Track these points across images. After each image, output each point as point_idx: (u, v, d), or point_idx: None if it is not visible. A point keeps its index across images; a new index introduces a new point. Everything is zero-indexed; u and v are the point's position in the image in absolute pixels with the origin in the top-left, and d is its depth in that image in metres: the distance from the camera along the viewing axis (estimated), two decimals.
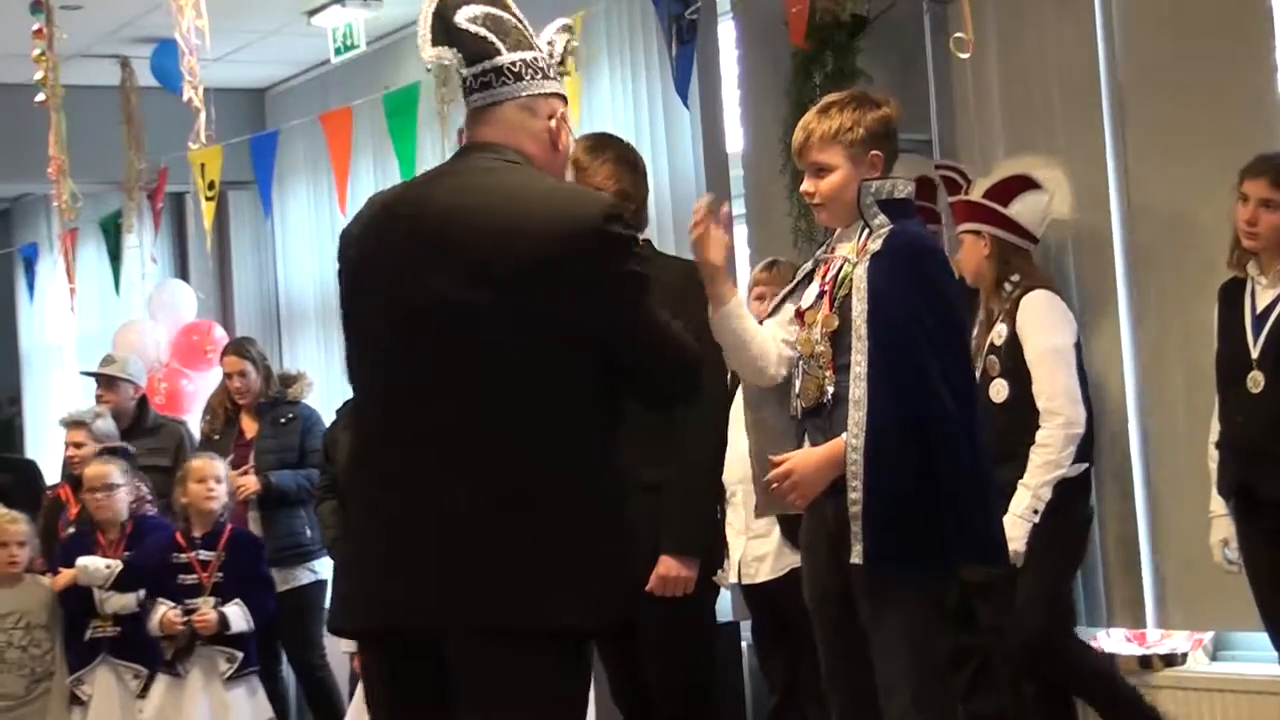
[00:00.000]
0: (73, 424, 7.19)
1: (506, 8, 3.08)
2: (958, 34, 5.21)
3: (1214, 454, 4.60)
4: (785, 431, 3.96)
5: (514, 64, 3.01)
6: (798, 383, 3.91)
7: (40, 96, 7.61)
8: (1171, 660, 5.28)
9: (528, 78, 3.02)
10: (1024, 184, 4.93)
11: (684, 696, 4.36)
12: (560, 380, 2.90)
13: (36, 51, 7.53)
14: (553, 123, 3.05)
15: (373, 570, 2.94)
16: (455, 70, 3.04)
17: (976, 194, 4.97)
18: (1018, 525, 4.60)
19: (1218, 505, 4.62)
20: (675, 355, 3.06)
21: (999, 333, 4.79)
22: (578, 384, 2.92)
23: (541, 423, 2.88)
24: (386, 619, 2.92)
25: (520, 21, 3.08)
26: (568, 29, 3.18)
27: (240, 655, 6.26)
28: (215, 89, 7.38)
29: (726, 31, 6.64)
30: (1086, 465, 4.83)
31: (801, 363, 3.90)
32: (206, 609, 6.20)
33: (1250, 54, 4.95)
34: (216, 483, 6.36)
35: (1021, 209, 4.89)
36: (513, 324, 2.88)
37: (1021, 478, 4.68)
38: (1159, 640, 5.36)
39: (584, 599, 2.87)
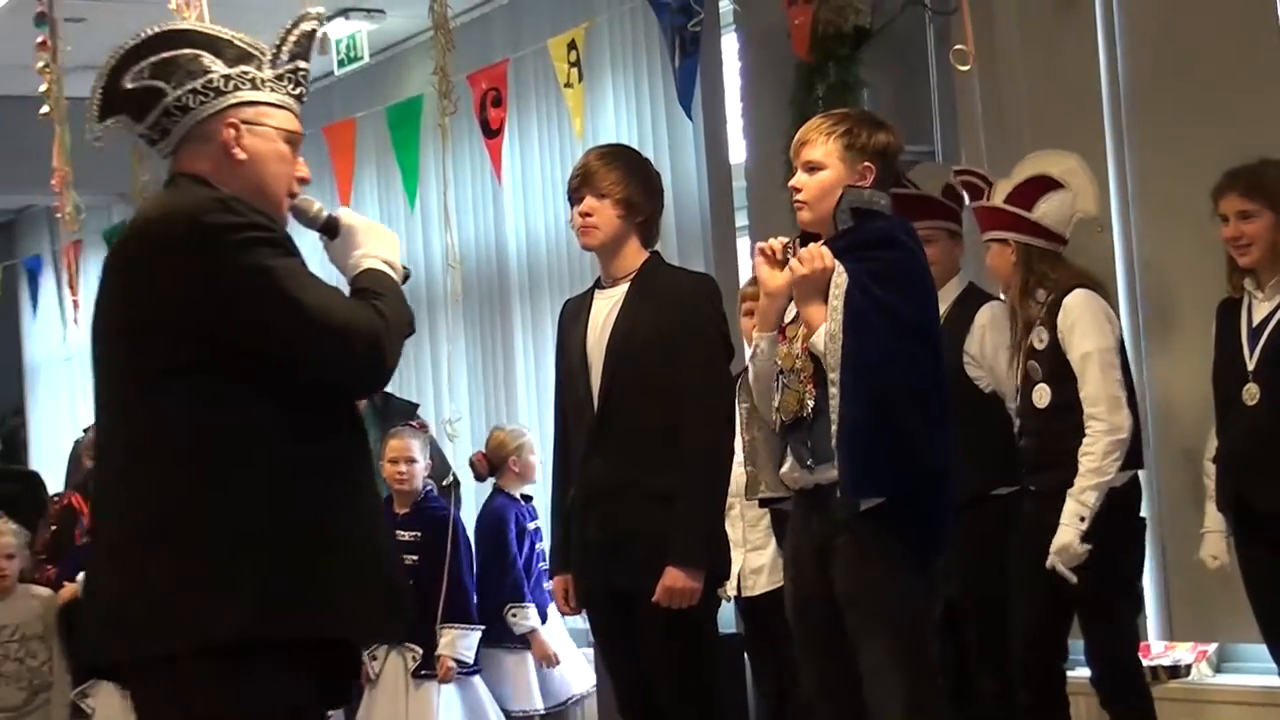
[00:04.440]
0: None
1: (190, 42, 2.97)
2: (959, 46, 5.21)
3: (1209, 469, 4.57)
4: (774, 450, 4.03)
5: (179, 100, 2.94)
6: (778, 397, 3.92)
7: (44, 109, 7.62)
8: (1175, 672, 5.27)
9: (195, 105, 2.94)
10: (1047, 184, 4.76)
11: (692, 707, 4.36)
12: (169, 398, 2.80)
13: (40, 64, 7.53)
14: (228, 135, 2.94)
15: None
16: (132, 132, 3.00)
17: (998, 199, 4.80)
18: (1065, 533, 4.45)
19: (1212, 521, 4.60)
20: (327, 335, 2.82)
21: (1039, 337, 4.63)
22: (190, 400, 2.80)
23: (148, 446, 2.82)
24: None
25: (204, 50, 2.96)
26: (319, 17, 3.08)
27: None
28: None
29: (729, 43, 6.65)
30: (1134, 472, 4.66)
31: (781, 377, 3.91)
32: None
33: (1254, 60, 4.95)
34: None
35: (1048, 210, 4.71)
36: (131, 349, 2.83)
37: (1066, 484, 4.53)
38: (1163, 652, 5.35)
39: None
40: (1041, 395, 4.63)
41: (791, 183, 3.93)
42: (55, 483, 8.48)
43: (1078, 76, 5.42)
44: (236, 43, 2.98)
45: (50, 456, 10.78)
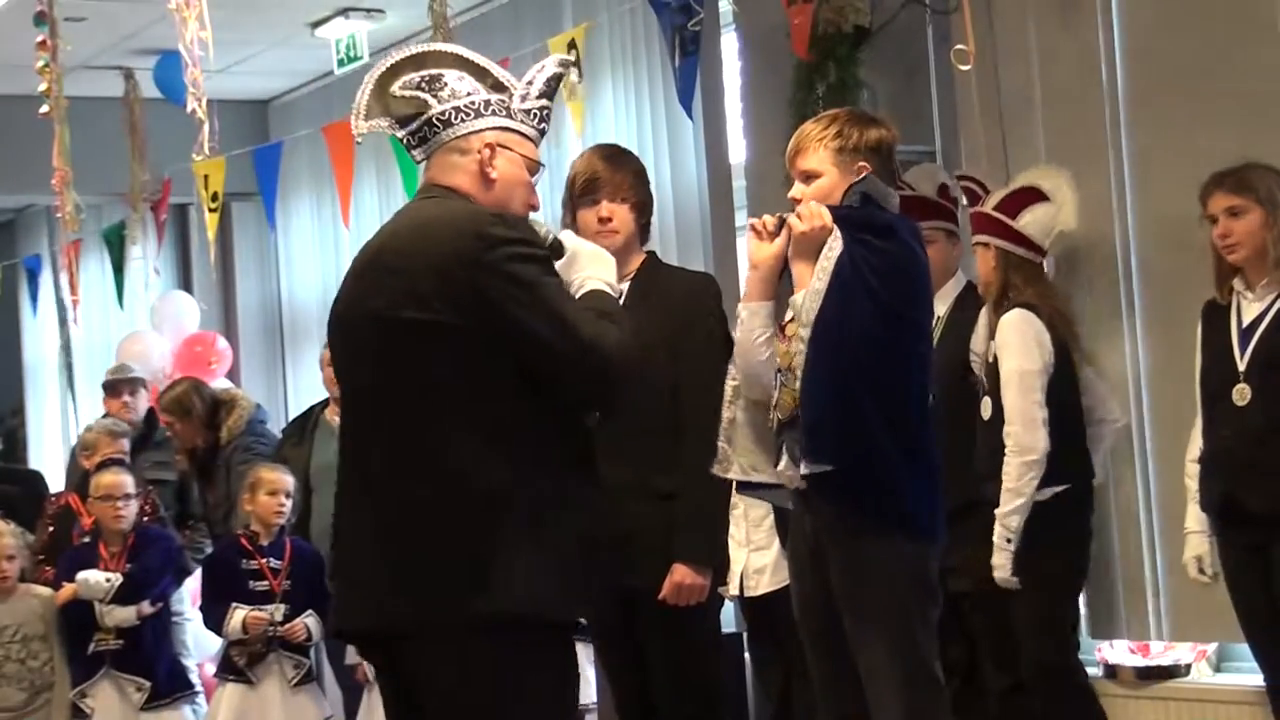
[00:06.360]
0: None
1: (456, 64, 3.28)
2: (959, 45, 5.22)
3: (1192, 470, 4.63)
4: (771, 447, 4.01)
5: (442, 114, 3.24)
6: (775, 395, 3.92)
7: (44, 108, 7.62)
8: (1175, 672, 5.27)
9: (457, 122, 3.24)
10: (1033, 196, 4.94)
11: (692, 706, 4.35)
12: (461, 391, 3.07)
13: (40, 63, 7.54)
14: (484, 154, 3.23)
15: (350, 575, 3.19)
16: (390, 134, 3.31)
17: (989, 206, 4.97)
18: (996, 555, 4.67)
19: (1194, 522, 4.65)
20: (578, 356, 3.10)
21: (991, 349, 4.81)
22: (480, 394, 3.07)
23: (440, 433, 3.08)
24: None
25: (467, 73, 3.27)
26: (564, 64, 3.40)
27: (308, 662, 6.37)
28: (219, 100, 7.39)
29: (729, 43, 6.65)
30: (1066, 487, 4.78)
31: (779, 375, 3.91)
32: (288, 619, 6.26)
33: (1257, 62, 4.95)
34: (286, 497, 6.39)
35: (1030, 221, 4.89)
36: (420, 341, 3.07)
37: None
38: (1162, 651, 5.35)
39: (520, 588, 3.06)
40: (985, 406, 4.82)
41: (790, 194, 3.94)
42: (55, 482, 8.48)
43: (1078, 75, 5.41)
44: (493, 73, 3.29)
45: (49, 456, 10.78)
